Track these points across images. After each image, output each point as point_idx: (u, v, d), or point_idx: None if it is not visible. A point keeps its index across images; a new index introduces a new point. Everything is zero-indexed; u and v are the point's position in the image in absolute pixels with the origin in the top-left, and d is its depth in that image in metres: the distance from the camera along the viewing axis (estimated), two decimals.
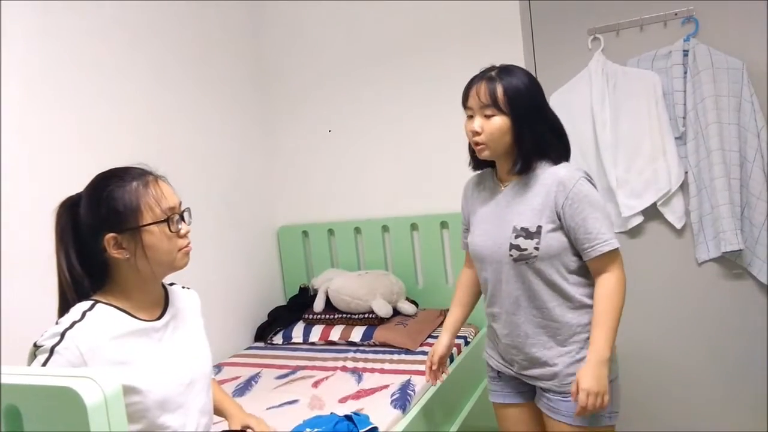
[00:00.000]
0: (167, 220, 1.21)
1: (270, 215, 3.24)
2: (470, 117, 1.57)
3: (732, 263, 2.47)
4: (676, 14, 2.47)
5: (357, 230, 3.09)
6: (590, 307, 1.55)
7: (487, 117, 1.52)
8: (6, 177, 1.88)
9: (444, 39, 2.82)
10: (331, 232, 3.15)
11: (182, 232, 1.25)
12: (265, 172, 3.23)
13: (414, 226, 2.96)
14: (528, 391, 1.71)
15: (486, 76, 1.54)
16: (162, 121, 2.52)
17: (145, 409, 1.16)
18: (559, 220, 1.52)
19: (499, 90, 1.50)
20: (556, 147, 1.58)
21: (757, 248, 2.39)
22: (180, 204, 1.26)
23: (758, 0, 2.34)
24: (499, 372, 1.76)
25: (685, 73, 2.44)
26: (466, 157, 2.75)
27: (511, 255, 1.54)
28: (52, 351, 1.07)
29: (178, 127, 2.61)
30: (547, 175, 1.54)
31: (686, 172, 2.50)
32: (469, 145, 1.63)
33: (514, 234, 1.54)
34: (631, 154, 2.54)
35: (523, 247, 1.52)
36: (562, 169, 1.54)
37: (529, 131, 1.51)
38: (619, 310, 1.51)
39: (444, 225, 2.89)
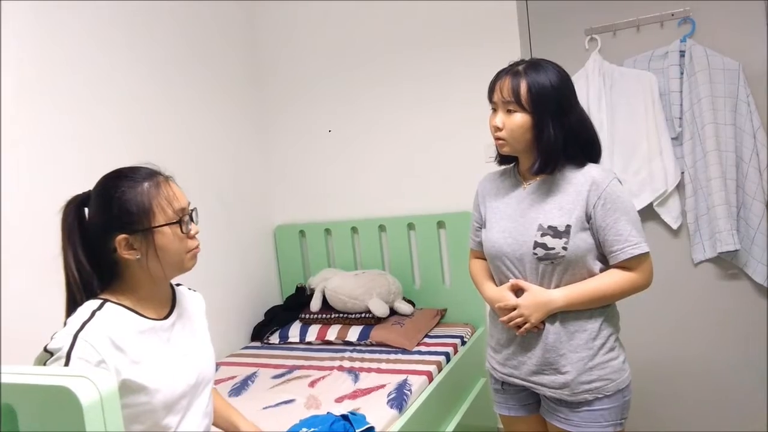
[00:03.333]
0: (179, 221, 1.21)
1: (267, 215, 3.23)
2: (494, 111, 1.55)
3: (728, 264, 2.48)
4: (672, 15, 2.47)
5: (354, 230, 3.09)
6: (604, 310, 1.53)
7: (509, 113, 1.50)
8: (4, 176, 1.87)
9: (441, 38, 2.82)
10: (328, 231, 3.15)
11: (192, 232, 1.25)
12: (262, 172, 3.22)
13: (411, 226, 2.96)
14: (533, 403, 1.67)
15: (512, 70, 1.51)
16: (157, 120, 2.52)
17: (152, 410, 1.15)
18: (588, 220, 1.49)
19: (523, 86, 1.47)
20: (583, 148, 1.54)
21: (752, 249, 2.40)
22: (189, 204, 1.26)
23: (755, 0, 2.35)
24: (503, 383, 1.69)
25: (682, 73, 2.45)
26: (462, 156, 2.79)
27: (536, 253, 1.50)
28: (69, 356, 1.05)
29: (173, 126, 2.60)
30: (578, 174, 1.51)
31: (682, 173, 2.51)
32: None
33: (540, 232, 1.50)
34: (627, 155, 2.54)
35: (550, 245, 1.48)
36: (594, 169, 1.51)
37: (550, 131, 1.47)
38: (608, 297, 1.49)
39: (441, 225, 2.89)
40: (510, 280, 1.58)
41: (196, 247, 1.26)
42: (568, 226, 1.48)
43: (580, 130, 1.53)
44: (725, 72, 2.37)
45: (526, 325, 1.52)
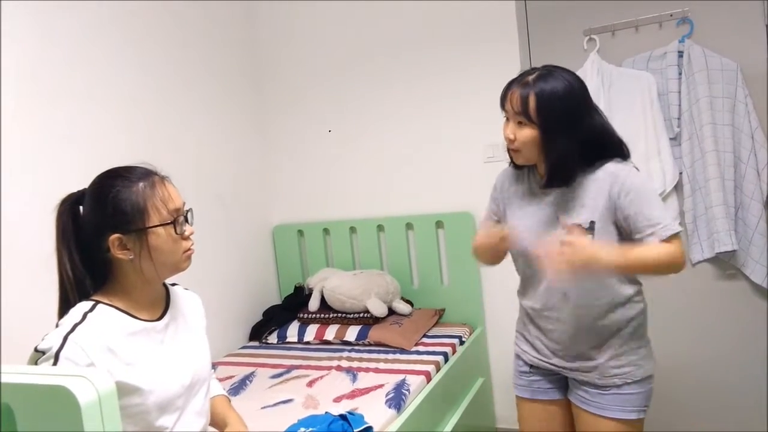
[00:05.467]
0: (173, 222, 1.20)
1: (265, 214, 3.23)
2: (507, 120, 1.55)
3: (726, 264, 2.49)
4: (671, 15, 2.47)
5: (352, 230, 3.09)
6: (634, 301, 1.57)
7: (520, 124, 1.50)
8: (4, 176, 1.87)
9: (440, 38, 2.82)
10: (326, 231, 3.15)
11: (186, 233, 1.24)
12: (260, 172, 3.22)
13: (409, 226, 2.96)
14: (560, 387, 1.70)
15: (522, 81, 1.50)
16: (156, 120, 2.52)
17: (146, 411, 1.15)
18: (615, 213, 1.51)
19: (532, 99, 1.45)
20: (599, 152, 1.53)
21: (750, 249, 2.40)
22: (184, 205, 1.26)
23: (753, 1, 2.35)
24: (531, 366, 1.71)
25: (680, 74, 2.45)
26: (461, 156, 2.79)
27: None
28: (57, 356, 1.05)
29: (172, 126, 2.60)
30: (597, 171, 1.53)
31: (681, 173, 2.51)
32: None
33: (566, 231, 1.52)
34: None
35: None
36: (611, 164, 1.53)
37: (559, 145, 1.47)
38: (653, 265, 1.47)
39: (439, 225, 2.89)
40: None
41: (190, 248, 1.26)
42: (592, 223, 1.50)
43: (595, 136, 1.52)
44: (723, 72, 2.38)
45: (563, 265, 1.45)
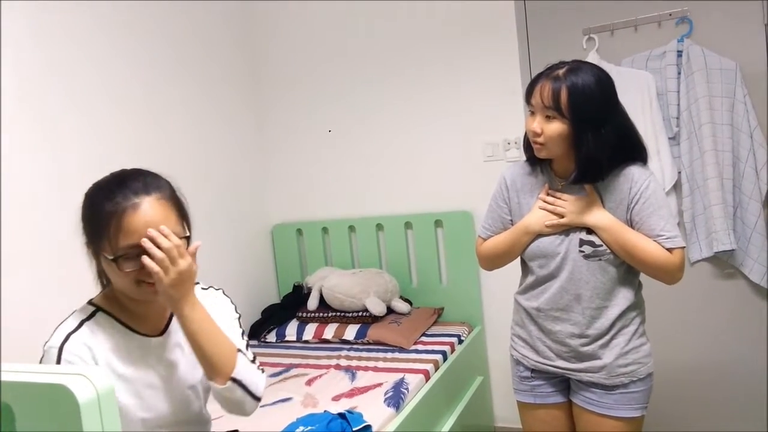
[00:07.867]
0: (116, 259, 1.08)
1: (264, 213, 3.23)
2: (532, 114, 1.53)
3: (724, 263, 2.49)
4: (670, 15, 2.47)
5: (351, 228, 3.09)
6: (638, 300, 1.59)
7: (548, 119, 1.48)
8: (4, 176, 1.87)
9: (439, 37, 2.82)
10: (325, 230, 3.15)
11: (128, 271, 1.09)
12: (260, 170, 3.22)
13: (408, 225, 2.96)
14: (563, 390, 1.69)
15: (552, 74, 1.48)
16: (154, 118, 2.51)
17: (130, 427, 1.12)
18: (626, 215, 1.53)
19: (564, 93, 1.44)
20: (623, 151, 1.53)
21: (749, 248, 2.40)
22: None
23: (753, 0, 2.35)
24: (533, 370, 1.70)
25: (679, 73, 2.45)
26: (460, 155, 2.79)
27: (582, 251, 1.53)
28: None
29: (171, 125, 2.59)
30: (619, 174, 1.53)
31: (679, 172, 2.51)
32: (525, 139, 1.61)
33: (586, 230, 1.53)
34: None
35: (597, 243, 1.52)
36: (634, 167, 1.54)
37: (589, 141, 1.45)
38: (642, 255, 1.48)
39: (438, 224, 2.89)
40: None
41: (148, 282, 1.10)
42: None
43: (622, 136, 1.52)
44: (722, 72, 2.38)
45: (561, 220, 1.54)
